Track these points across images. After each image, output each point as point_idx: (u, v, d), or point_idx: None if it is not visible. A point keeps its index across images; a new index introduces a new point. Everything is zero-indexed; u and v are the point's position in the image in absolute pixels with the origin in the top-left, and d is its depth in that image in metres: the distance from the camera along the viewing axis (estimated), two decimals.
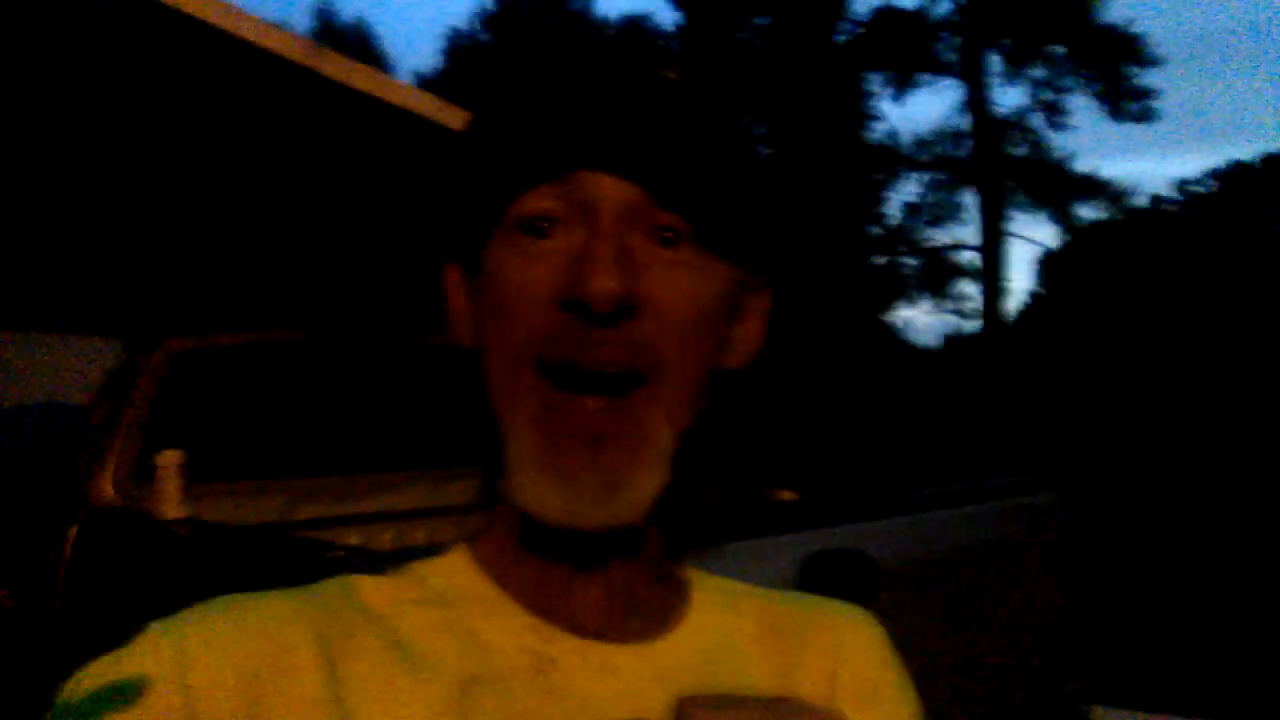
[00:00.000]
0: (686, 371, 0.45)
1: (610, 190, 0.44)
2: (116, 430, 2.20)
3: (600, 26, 18.93)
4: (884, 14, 18.17)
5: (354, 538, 2.43)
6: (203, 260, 2.66)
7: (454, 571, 0.50)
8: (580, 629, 0.48)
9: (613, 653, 0.48)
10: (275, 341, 2.53)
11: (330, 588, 0.48)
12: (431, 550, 0.52)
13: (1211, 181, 20.54)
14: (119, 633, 0.44)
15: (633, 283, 0.43)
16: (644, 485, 0.44)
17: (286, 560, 1.55)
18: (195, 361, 2.34)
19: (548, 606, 0.48)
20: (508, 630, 0.47)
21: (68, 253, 2.61)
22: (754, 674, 0.51)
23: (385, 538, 2.53)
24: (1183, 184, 21.01)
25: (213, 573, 1.62)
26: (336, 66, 1.99)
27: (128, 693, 0.41)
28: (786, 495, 2.77)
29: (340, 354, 2.67)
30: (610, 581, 0.49)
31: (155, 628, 0.44)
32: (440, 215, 0.53)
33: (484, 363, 0.47)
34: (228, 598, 0.46)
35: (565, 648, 0.47)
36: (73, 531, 2.09)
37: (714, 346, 0.48)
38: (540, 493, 0.43)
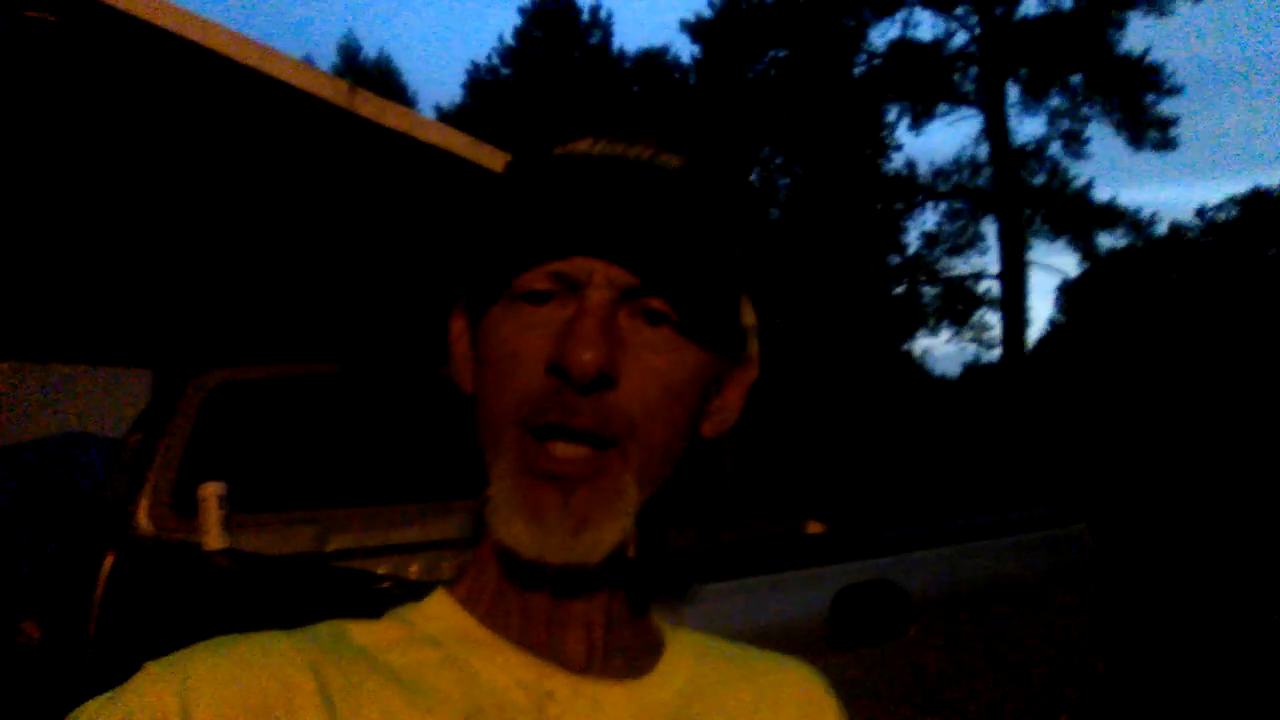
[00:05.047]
0: (656, 441, 0.49)
1: (600, 272, 0.48)
2: (154, 461, 2.23)
3: (615, 80, 19.15)
4: (901, 45, 18.28)
5: (383, 568, 2.45)
6: (232, 294, 2.70)
7: (440, 614, 0.53)
8: (570, 665, 0.50)
9: (604, 689, 0.50)
10: (309, 374, 2.56)
11: (324, 629, 0.50)
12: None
13: (1232, 208, 20.46)
14: (118, 672, 0.45)
15: (612, 356, 0.47)
16: (608, 530, 0.47)
17: (327, 590, 1.57)
18: (232, 394, 2.38)
19: (535, 643, 0.51)
20: (504, 666, 0.50)
21: (91, 285, 2.65)
22: (728, 717, 0.54)
23: (413, 569, 2.55)
24: (1202, 211, 20.94)
25: (254, 603, 1.64)
26: (370, 105, 2.04)
27: None
28: (814, 527, 2.77)
29: (373, 387, 2.70)
30: (590, 620, 0.51)
31: (155, 666, 0.45)
32: (454, 276, 0.57)
33: (478, 411, 0.51)
34: (227, 637, 0.47)
35: (560, 682, 0.50)
36: (109, 562, 2.11)
37: (687, 418, 0.51)
38: (515, 530, 0.47)
